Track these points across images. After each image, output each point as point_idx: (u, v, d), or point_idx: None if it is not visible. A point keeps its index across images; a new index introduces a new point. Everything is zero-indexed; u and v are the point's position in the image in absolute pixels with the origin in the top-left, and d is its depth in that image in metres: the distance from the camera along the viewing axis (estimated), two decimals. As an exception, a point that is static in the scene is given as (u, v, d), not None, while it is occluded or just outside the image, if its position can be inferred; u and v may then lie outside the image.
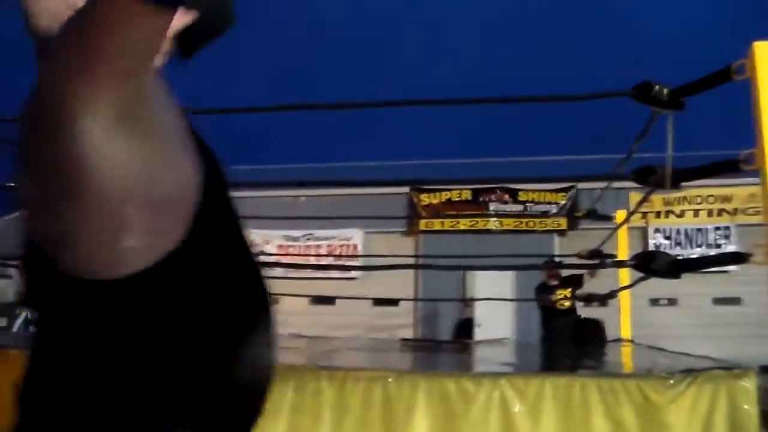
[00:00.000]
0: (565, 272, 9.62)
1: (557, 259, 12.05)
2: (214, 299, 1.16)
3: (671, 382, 3.06)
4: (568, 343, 8.44)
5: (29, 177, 1.04)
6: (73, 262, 1.03)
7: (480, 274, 15.09)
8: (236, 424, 1.21)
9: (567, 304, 9.42)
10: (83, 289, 1.05)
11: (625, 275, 7.66)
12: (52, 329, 1.15)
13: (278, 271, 15.06)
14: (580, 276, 9.36)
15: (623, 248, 8.05)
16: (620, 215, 8.39)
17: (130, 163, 0.99)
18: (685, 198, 15.48)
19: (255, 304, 1.28)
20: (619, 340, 8.08)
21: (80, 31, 0.91)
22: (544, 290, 9.74)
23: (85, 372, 1.10)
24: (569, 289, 9.27)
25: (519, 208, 16.37)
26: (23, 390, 1.17)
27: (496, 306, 12.79)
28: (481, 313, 14.82)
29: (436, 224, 16.41)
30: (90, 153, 0.94)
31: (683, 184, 3.90)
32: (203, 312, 1.13)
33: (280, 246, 16.89)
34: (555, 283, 9.52)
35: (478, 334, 14.25)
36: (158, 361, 1.09)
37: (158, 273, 1.05)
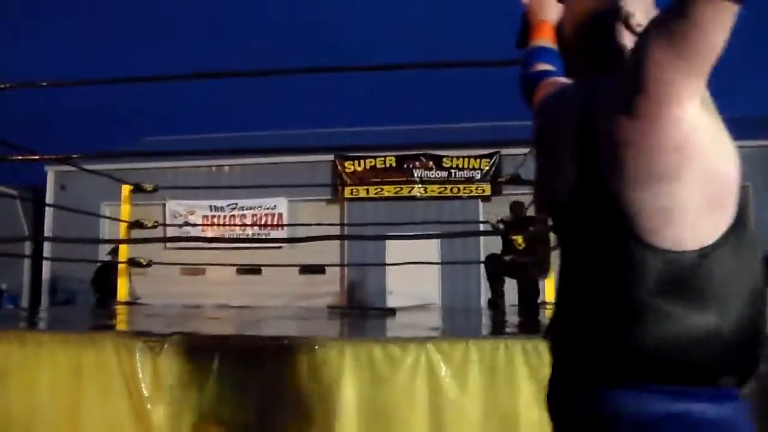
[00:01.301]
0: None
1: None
2: (746, 274, 1.30)
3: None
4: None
5: (624, 155, 1.26)
6: (662, 234, 1.26)
7: (393, 242, 15.14)
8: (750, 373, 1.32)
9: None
10: (658, 255, 1.26)
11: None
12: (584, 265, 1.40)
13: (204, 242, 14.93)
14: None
15: (548, 212, 8.16)
16: (543, 180, 8.48)
17: (714, 143, 1.25)
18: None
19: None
20: (543, 303, 8.23)
21: (678, 30, 1.14)
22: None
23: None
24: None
25: (443, 174, 16.48)
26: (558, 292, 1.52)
27: (416, 271, 12.73)
28: (393, 280, 14.93)
29: (361, 191, 16.43)
30: (691, 137, 1.22)
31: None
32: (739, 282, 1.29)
33: (205, 216, 16.71)
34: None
35: (390, 300, 14.32)
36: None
37: (719, 245, 1.26)
